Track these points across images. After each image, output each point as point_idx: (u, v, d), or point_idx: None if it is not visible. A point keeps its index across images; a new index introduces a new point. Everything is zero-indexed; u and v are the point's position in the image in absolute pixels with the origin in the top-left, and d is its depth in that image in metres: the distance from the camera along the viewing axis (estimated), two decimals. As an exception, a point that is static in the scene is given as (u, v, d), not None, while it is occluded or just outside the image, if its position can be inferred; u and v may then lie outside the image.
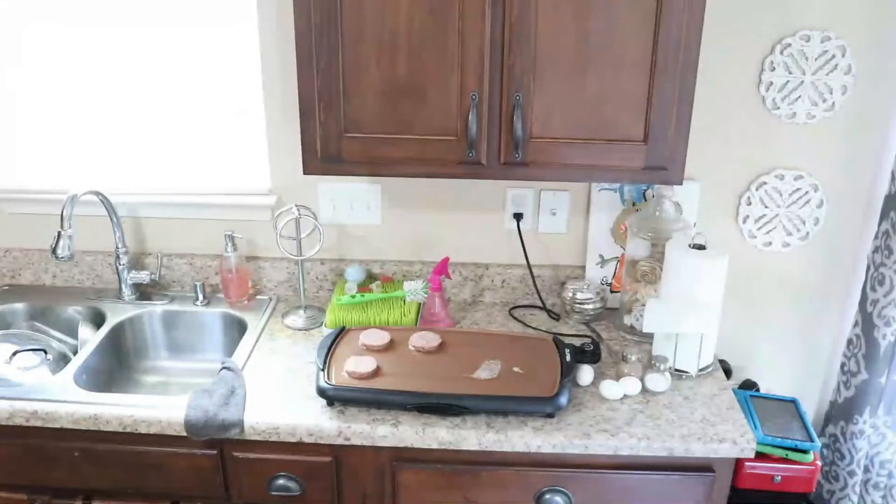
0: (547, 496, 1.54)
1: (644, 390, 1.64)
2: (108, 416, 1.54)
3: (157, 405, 1.57)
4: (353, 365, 1.58)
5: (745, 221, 1.95)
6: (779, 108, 1.84)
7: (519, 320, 1.95)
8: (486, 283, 2.04)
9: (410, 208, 1.99)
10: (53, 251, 1.78)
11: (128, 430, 1.54)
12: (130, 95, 1.93)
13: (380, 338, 1.69)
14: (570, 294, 1.93)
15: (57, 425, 1.56)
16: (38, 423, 1.56)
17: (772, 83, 1.81)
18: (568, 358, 1.62)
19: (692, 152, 1.60)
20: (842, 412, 2.01)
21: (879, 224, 1.85)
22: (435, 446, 1.51)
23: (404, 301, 1.88)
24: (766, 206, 1.94)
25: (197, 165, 1.99)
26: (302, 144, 1.60)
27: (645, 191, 1.93)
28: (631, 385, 1.62)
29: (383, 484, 1.58)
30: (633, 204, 1.94)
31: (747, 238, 1.97)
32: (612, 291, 2.02)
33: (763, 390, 1.96)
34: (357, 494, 1.60)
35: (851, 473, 2.03)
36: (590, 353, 1.65)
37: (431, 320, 1.86)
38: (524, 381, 1.56)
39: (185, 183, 2.00)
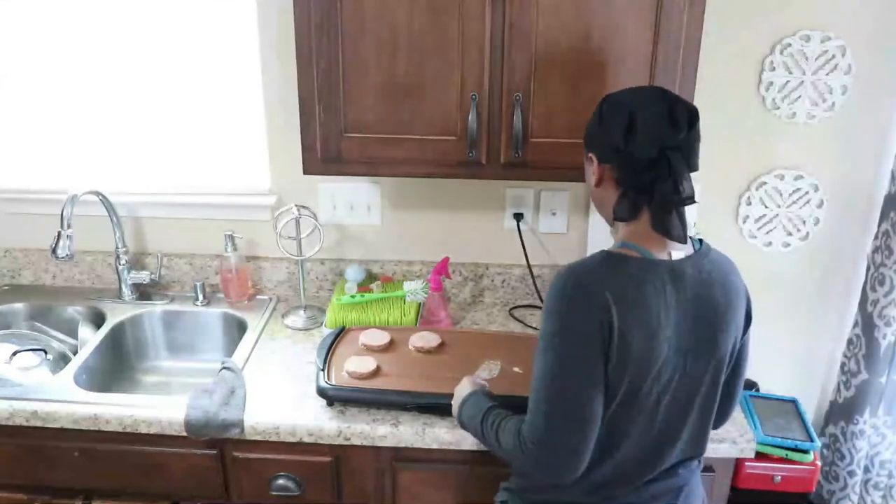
0: (547, 496, 1.54)
1: (644, 390, 1.64)
2: (108, 416, 1.54)
3: (157, 405, 1.57)
4: (353, 365, 1.58)
5: (745, 221, 1.95)
6: (779, 108, 1.84)
7: (519, 320, 1.95)
8: (486, 283, 2.04)
9: (410, 208, 1.99)
10: (53, 251, 1.78)
11: (128, 430, 1.54)
12: (131, 95, 1.93)
13: (380, 338, 1.69)
14: (570, 294, 1.93)
15: (57, 425, 1.56)
16: (38, 423, 1.56)
17: (772, 83, 1.81)
18: (568, 358, 1.62)
19: (692, 152, 1.61)
20: (842, 412, 2.01)
21: (879, 224, 1.85)
22: (435, 446, 1.51)
23: (404, 301, 1.88)
24: (766, 206, 1.94)
25: (197, 165, 1.99)
26: (302, 144, 1.60)
27: (645, 191, 1.93)
28: (631, 385, 1.62)
29: (383, 484, 1.58)
30: (633, 204, 1.94)
31: (747, 238, 1.97)
32: (612, 291, 2.02)
33: (763, 390, 1.96)
34: (357, 494, 1.60)
35: (851, 473, 2.03)
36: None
37: (431, 320, 1.85)
38: (524, 381, 1.56)
39: (185, 183, 2.00)
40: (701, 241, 1.27)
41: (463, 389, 1.40)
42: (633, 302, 1.13)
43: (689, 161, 1.17)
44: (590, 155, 1.24)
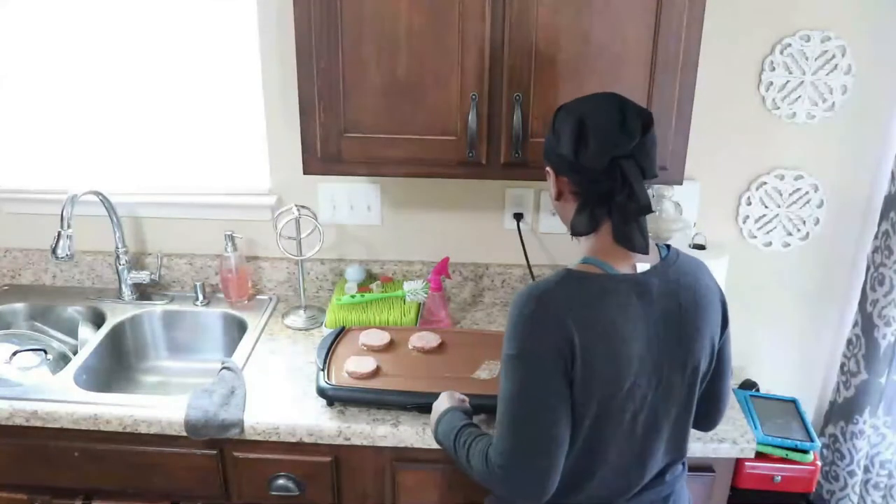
0: (547, 496, 1.54)
1: (644, 390, 1.64)
2: (108, 416, 1.54)
3: (157, 405, 1.57)
4: (353, 365, 1.58)
5: (745, 221, 1.95)
6: (779, 108, 1.84)
7: (519, 320, 1.95)
8: (486, 283, 2.04)
9: (410, 208, 1.99)
10: (53, 251, 1.78)
11: (128, 430, 1.54)
12: (131, 95, 1.93)
13: (380, 338, 1.69)
14: (570, 294, 1.93)
15: (57, 425, 1.56)
16: (38, 423, 1.56)
17: (772, 83, 1.82)
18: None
19: (692, 152, 1.61)
20: (842, 412, 2.01)
21: (879, 224, 1.85)
22: (435, 446, 1.50)
23: (404, 301, 1.88)
24: (766, 206, 1.94)
25: (197, 165, 1.99)
26: (302, 144, 1.60)
27: (645, 191, 1.93)
28: (631, 385, 1.62)
29: (383, 484, 1.58)
30: (633, 204, 1.94)
31: (747, 238, 1.97)
32: (612, 291, 2.01)
33: (763, 390, 1.96)
34: (357, 494, 1.60)
35: (851, 473, 2.03)
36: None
37: (431, 320, 1.85)
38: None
39: (185, 183, 2.00)
40: (668, 246, 1.25)
41: (440, 405, 1.38)
42: (595, 321, 1.12)
43: (645, 168, 1.13)
44: (547, 168, 1.22)
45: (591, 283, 1.15)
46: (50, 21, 1.87)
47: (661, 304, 1.17)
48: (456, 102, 1.54)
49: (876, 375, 1.92)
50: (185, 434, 1.53)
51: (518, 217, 1.96)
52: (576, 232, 1.19)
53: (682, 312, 1.19)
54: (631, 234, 1.16)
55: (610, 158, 1.11)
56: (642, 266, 1.18)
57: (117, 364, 1.91)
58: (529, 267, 1.98)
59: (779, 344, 2.08)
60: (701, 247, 1.68)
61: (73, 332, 1.96)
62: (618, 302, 1.14)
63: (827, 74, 1.80)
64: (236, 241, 1.96)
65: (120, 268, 1.99)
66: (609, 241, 1.17)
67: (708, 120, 1.82)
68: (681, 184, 1.62)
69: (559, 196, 1.22)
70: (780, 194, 1.92)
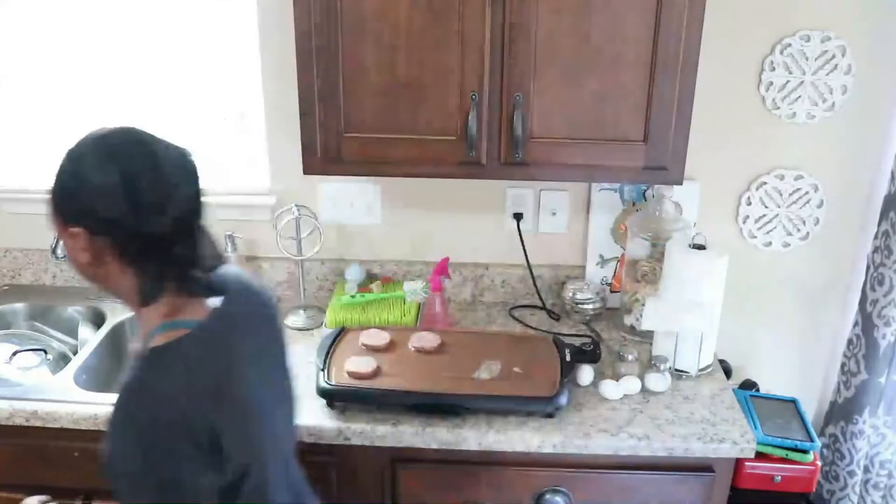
0: (547, 496, 1.54)
1: (644, 390, 1.64)
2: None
3: (157, 405, 1.56)
4: (354, 365, 1.58)
5: (745, 221, 1.95)
6: (779, 108, 1.84)
7: (519, 320, 1.95)
8: (486, 283, 2.04)
9: (410, 208, 1.99)
10: (53, 251, 1.78)
11: (128, 430, 1.54)
12: (131, 95, 1.93)
13: (380, 338, 1.69)
14: (570, 294, 1.93)
15: (57, 425, 1.56)
16: (38, 423, 1.56)
17: (772, 83, 1.81)
18: (568, 358, 1.62)
19: (692, 152, 1.61)
20: (842, 412, 2.01)
21: (879, 224, 1.85)
22: (435, 446, 1.51)
23: (404, 301, 1.88)
24: (766, 206, 1.94)
25: (196, 165, 1.99)
26: (302, 144, 1.60)
27: (645, 191, 1.93)
28: (631, 385, 1.62)
29: (383, 484, 1.58)
30: (633, 204, 1.94)
31: (747, 238, 1.97)
32: (612, 291, 2.02)
33: (763, 390, 1.96)
34: (357, 494, 1.60)
35: (851, 473, 2.03)
36: (589, 353, 1.65)
37: (431, 320, 1.85)
38: (524, 381, 1.56)
39: (185, 183, 2.00)
40: (210, 267, 1.08)
41: None
42: (221, 388, 0.99)
43: (203, 223, 1.03)
44: (74, 229, 0.98)
45: (189, 349, 0.99)
46: (50, 21, 1.87)
47: (259, 328, 1.12)
48: (456, 102, 1.54)
49: (876, 375, 1.92)
50: (184, 434, 1.53)
51: (518, 217, 1.96)
52: (152, 299, 1.02)
53: (275, 325, 1.19)
54: (200, 281, 1.04)
55: (173, 219, 0.98)
56: (213, 301, 1.06)
57: (117, 364, 1.90)
58: (529, 267, 1.98)
59: (779, 344, 2.08)
60: (701, 247, 1.68)
61: (73, 332, 1.96)
62: (229, 353, 1.02)
63: (827, 74, 1.80)
64: (236, 241, 1.96)
65: (120, 268, 1.98)
66: (179, 295, 1.03)
67: (708, 120, 1.82)
68: (681, 184, 1.62)
69: (96, 260, 1.00)
70: (780, 194, 1.92)
